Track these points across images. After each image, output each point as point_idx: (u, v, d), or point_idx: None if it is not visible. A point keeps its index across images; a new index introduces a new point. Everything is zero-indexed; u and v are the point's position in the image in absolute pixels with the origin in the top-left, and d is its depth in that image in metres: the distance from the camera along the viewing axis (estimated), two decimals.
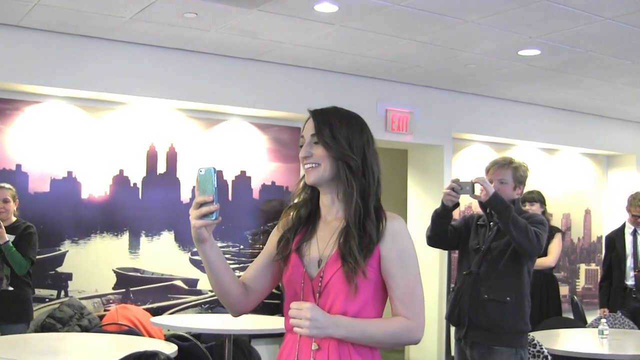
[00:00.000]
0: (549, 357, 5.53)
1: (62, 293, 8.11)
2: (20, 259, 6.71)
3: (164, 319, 7.52)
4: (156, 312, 8.49)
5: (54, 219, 8.05)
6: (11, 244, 6.70)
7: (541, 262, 7.73)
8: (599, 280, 9.44)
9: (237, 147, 9.27)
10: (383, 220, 2.84)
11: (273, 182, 9.45)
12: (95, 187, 8.36)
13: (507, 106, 11.35)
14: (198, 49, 8.56)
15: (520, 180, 5.58)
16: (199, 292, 8.85)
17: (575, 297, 10.51)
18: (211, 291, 2.57)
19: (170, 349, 5.44)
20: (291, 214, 3.05)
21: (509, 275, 5.34)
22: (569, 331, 7.12)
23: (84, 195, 8.30)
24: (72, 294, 8.14)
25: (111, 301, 8.37)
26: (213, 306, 8.82)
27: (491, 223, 5.49)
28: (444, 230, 5.55)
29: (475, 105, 11.03)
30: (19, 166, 7.92)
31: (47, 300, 7.95)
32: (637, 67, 9.09)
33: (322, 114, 2.93)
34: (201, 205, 2.66)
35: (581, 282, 12.71)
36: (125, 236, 8.53)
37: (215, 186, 2.66)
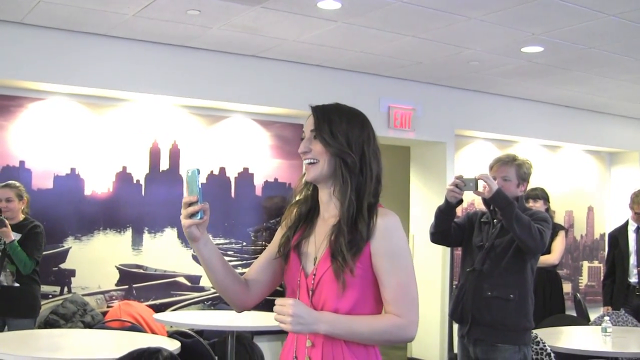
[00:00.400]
0: (552, 355, 5.53)
1: (65, 289, 8.12)
2: (25, 258, 6.71)
3: (167, 316, 7.54)
4: (159, 308, 8.50)
5: (57, 216, 8.06)
6: (17, 243, 6.71)
7: (544, 260, 7.72)
8: (602, 277, 9.43)
9: (239, 144, 9.27)
10: (374, 217, 2.82)
11: (276, 179, 9.45)
12: (98, 184, 8.37)
13: (510, 103, 11.35)
14: (201, 45, 8.56)
15: (523, 177, 5.57)
16: (202, 289, 8.85)
17: (578, 295, 10.52)
18: (214, 288, 2.59)
19: (173, 345, 5.44)
20: (294, 211, 3.06)
21: (513, 273, 5.33)
22: (572, 329, 7.11)
23: (87, 191, 8.31)
24: (75, 290, 8.16)
25: (114, 297, 8.38)
26: (216, 303, 8.83)
27: (495, 220, 5.48)
28: (447, 227, 5.54)
29: (478, 102, 11.02)
30: (22, 163, 7.93)
31: (50, 296, 7.96)
32: None
33: (322, 110, 2.94)
34: (189, 205, 2.75)
35: (584, 280, 12.70)
36: (128, 233, 8.54)
37: (200, 187, 2.76)
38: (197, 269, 8.76)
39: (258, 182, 9.38)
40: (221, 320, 6.97)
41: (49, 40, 7.85)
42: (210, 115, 9.10)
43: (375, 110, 9.89)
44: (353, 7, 7.13)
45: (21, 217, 7.03)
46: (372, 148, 2.91)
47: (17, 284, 6.82)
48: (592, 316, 8.71)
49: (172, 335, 6.47)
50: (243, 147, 9.30)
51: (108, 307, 8.28)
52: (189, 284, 8.79)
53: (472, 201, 10.59)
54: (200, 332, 7.45)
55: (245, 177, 9.30)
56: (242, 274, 3.03)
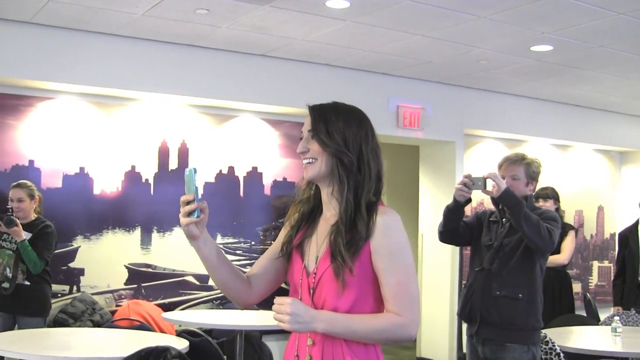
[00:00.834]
0: (562, 355, 5.51)
1: (74, 288, 8.14)
2: (35, 258, 6.72)
3: (176, 315, 7.54)
4: (168, 307, 8.50)
5: (66, 215, 8.07)
6: (27, 243, 6.72)
7: (554, 260, 7.70)
8: (612, 277, 9.40)
9: (248, 143, 9.27)
10: (374, 215, 2.81)
11: (284, 178, 9.45)
12: (107, 183, 8.38)
13: (519, 102, 11.32)
14: (210, 45, 8.57)
15: (532, 176, 5.56)
16: (211, 288, 8.85)
17: (588, 295, 10.49)
18: (215, 285, 2.61)
19: (182, 344, 5.44)
20: (297, 210, 3.07)
21: (521, 272, 5.32)
22: (581, 329, 7.08)
23: (96, 191, 8.32)
24: (84, 289, 8.17)
25: (123, 296, 8.39)
26: (224, 302, 8.83)
27: (503, 219, 5.46)
28: (456, 226, 5.53)
29: (487, 101, 11.00)
30: (31, 162, 7.95)
31: (59, 295, 7.97)
32: None
33: (319, 109, 2.94)
34: (186, 204, 2.77)
35: (594, 280, 12.66)
36: (137, 232, 8.55)
37: (196, 185, 2.77)
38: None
39: (267, 181, 9.38)
40: (230, 320, 6.96)
41: (58, 39, 7.87)
42: (219, 114, 9.10)
43: (384, 109, 9.89)
44: (362, 6, 7.12)
45: (33, 216, 7.05)
46: (370, 146, 2.90)
47: (27, 283, 6.84)
48: (602, 316, 8.67)
49: (180, 334, 6.47)
50: (252, 146, 9.30)
51: (117, 306, 8.29)
52: (197, 283, 8.79)
53: (481, 200, 10.57)
54: (209, 331, 7.45)
55: (254, 176, 9.30)
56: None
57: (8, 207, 6.82)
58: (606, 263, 12.82)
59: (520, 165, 5.55)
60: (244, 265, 8.82)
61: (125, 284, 8.45)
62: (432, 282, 10.81)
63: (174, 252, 8.63)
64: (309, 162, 2.90)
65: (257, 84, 9.04)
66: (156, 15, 7.46)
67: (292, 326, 2.72)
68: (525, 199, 5.41)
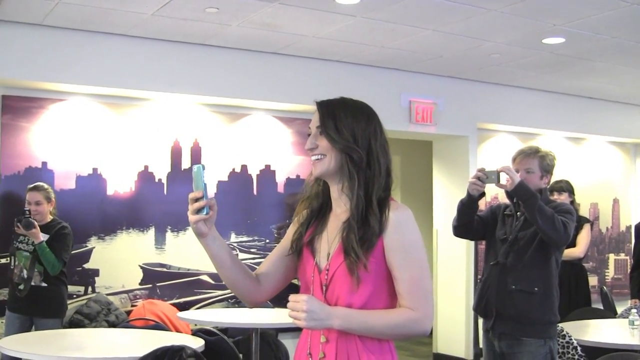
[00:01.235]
0: (579, 348, 5.49)
1: (89, 289, 8.15)
2: (53, 259, 6.75)
3: (191, 314, 7.54)
4: (183, 307, 8.50)
5: (80, 216, 8.08)
6: (45, 244, 6.75)
7: (569, 253, 7.66)
8: (628, 270, 9.35)
9: (261, 141, 9.27)
10: (386, 211, 2.80)
11: (298, 176, 9.44)
12: (120, 184, 8.38)
13: (532, 95, 11.29)
14: (220, 43, 8.56)
15: (547, 169, 5.52)
16: (225, 287, 8.83)
17: (605, 288, 10.43)
18: (224, 283, 2.61)
19: (197, 343, 5.45)
20: (305, 207, 3.06)
21: (537, 266, 5.29)
22: (598, 322, 7.05)
23: (110, 191, 8.33)
24: (99, 290, 8.18)
25: (138, 296, 8.39)
26: (239, 300, 8.80)
27: (518, 213, 5.44)
28: (470, 220, 5.50)
29: (499, 95, 10.97)
30: (44, 164, 7.96)
31: (74, 296, 7.99)
32: None
33: (327, 105, 2.92)
34: (195, 201, 2.73)
35: (610, 273, 12.62)
36: (151, 232, 8.55)
37: (205, 182, 2.74)
38: None
39: (280, 179, 9.37)
40: (245, 318, 6.95)
41: (68, 41, 7.88)
42: (230, 112, 9.09)
43: (396, 105, 9.87)
44: (371, 1, 7.10)
45: (49, 218, 7.09)
46: (379, 141, 2.88)
47: (44, 284, 6.86)
48: (619, 309, 8.63)
49: (196, 333, 6.47)
50: (264, 144, 9.29)
51: (132, 306, 8.30)
52: (212, 281, 8.79)
53: (495, 194, 10.54)
54: (225, 330, 7.46)
55: (267, 174, 9.30)
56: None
57: (25, 209, 6.85)
58: (622, 255, 12.78)
59: (534, 158, 5.51)
60: (259, 264, 8.81)
61: (140, 284, 8.46)
62: (447, 278, 10.79)
63: (189, 251, 8.62)
64: (318, 159, 2.88)
65: (268, 81, 9.04)
66: (166, 15, 7.46)
67: (308, 323, 2.71)
68: (539, 192, 5.37)
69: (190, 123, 8.84)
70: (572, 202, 8.06)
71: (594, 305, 8.65)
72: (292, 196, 9.36)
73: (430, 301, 2.79)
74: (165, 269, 8.60)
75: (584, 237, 8.09)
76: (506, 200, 5.65)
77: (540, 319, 5.23)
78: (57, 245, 6.87)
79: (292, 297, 2.74)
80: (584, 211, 11.44)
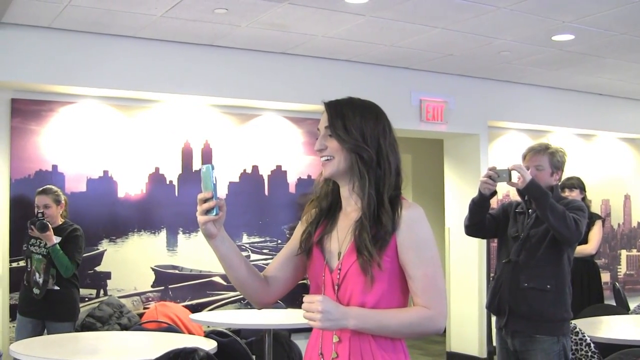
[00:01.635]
0: (592, 345, 5.47)
1: (102, 292, 8.16)
2: (66, 262, 6.76)
3: (203, 316, 7.54)
4: (195, 308, 8.50)
5: (91, 219, 8.08)
6: (58, 247, 6.75)
7: (582, 250, 7.64)
8: None
9: (272, 142, 9.27)
10: (398, 209, 2.80)
11: (309, 176, 9.43)
12: (131, 186, 8.39)
13: (542, 93, 11.27)
14: (229, 44, 8.56)
15: (557, 165, 5.51)
16: None
17: (617, 284, 10.41)
18: (232, 284, 2.61)
19: (210, 345, 5.45)
20: (314, 207, 3.05)
21: (549, 263, 5.28)
22: (611, 318, 7.03)
23: (121, 194, 8.33)
24: (111, 292, 8.19)
25: (150, 299, 8.40)
26: None
27: (530, 210, 5.43)
28: (481, 219, 5.50)
29: (510, 93, 10.96)
30: (55, 167, 7.96)
31: (86, 299, 7.99)
32: None
33: (335, 105, 2.92)
34: (204, 201, 2.71)
35: (622, 269, 12.59)
36: (163, 234, 8.55)
37: (214, 182, 2.71)
38: None
39: (291, 179, 9.37)
40: (258, 319, 6.95)
41: (77, 43, 7.89)
42: (241, 113, 9.09)
43: (407, 103, 9.86)
44: (381, 0, 7.09)
45: (60, 220, 7.08)
46: (388, 140, 2.88)
47: (57, 287, 6.86)
48: (632, 305, 8.62)
49: (208, 335, 6.47)
50: (275, 144, 9.29)
51: (144, 308, 8.30)
52: (224, 283, 8.78)
53: (507, 192, 10.53)
54: (238, 332, 7.46)
55: (279, 174, 9.30)
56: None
57: (39, 211, 6.85)
58: (634, 252, 12.75)
59: (544, 155, 5.50)
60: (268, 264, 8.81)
61: (152, 286, 8.46)
62: (460, 276, 10.77)
63: (200, 253, 8.61)
64: (327, 160, 2.88)
65: (278, 82, 9.04)
66: (175, 16, 7.46)
67: (324, 324, 2.69)
68: (550, 189, 5.37)
69: (200, 124, 8.84)
70: (584, 198, 8.04)
71: (606, 302, 8.62)
72: (304, 196, 9.34)
73: (444, 299, 2.80)
74: (177, 271, 8.60)
75: (595, 234, 8.07)
76: (518, 198, 5.64)
77: (553, 316, 5.22)
78: (70, 247, 6.87)
79: (306, 298, 2.72)
80: (596, 208, 11.43)
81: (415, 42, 8.58)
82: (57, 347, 5.55)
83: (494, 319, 5.73)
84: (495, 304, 5.47)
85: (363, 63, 9.55)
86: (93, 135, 8.21)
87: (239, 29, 7.94)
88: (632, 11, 7.42)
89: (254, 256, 8.97)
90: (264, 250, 9.09)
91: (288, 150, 9.37)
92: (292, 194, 9.35)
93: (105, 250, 8.22)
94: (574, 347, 5.45)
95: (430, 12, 7.45)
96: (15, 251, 7.51)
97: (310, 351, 2.96)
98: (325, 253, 2.92)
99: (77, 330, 7.27)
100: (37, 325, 6.93)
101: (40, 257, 6.85)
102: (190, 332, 7.71)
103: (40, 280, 6.82)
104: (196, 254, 8.63)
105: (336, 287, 2.83)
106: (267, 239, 9.16)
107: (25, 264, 7.07)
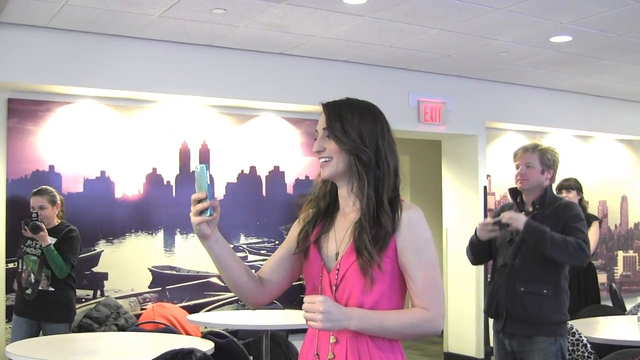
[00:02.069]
0: (589, 346, 5.47)
1: (98, 293, 8.15)
2: (61, 262, 6.74)
3: (201, 317, 7.53)
4: (193, 309, 8.50)
5: (88, 219, 8.07)
6: (52, 247, 6.74)
7: None
8: (637, 267, 9.32)
9: (269, 143, 9.26)
10: (398, 210, 2.80)
11: (307, 177, 9.42)
12: (128, 186, 8.38)
13: (540, 94, 11.27)
14: (228, 44, 8.56)
15: (548, 164, 5.49)
16: None
17: (614, 285, 10.42)
18: (226, 285, 2.62)
19: (207, 346, 5.44)
20: (311, 207, 3.04)
21: (545, 267, 5.27)
22: (608, 319, 7.04)
23: (118, 194, 8.32)
24: (108, 293, 8.18)
25: (147, 300, 8.39)
26: None
27: (523, 212, 5.43)
28: (485, 253, 5.57)
29: (508, 94, 10.96)
30: (52, 167, 7.96)
31: (83, 300, 7.98)
32: None
33: (333, 106, 2.91)
34: (198, 202, 2.69)
35: (619, 270, 12.59)
36: (160, 234, 8.54)
37: (209, 183, 2.69)
38: None
39: (289, 180, 9.36)
40: (256, 320, 6.95)
41: (75, 43, 7.87)
42: (239, 114, 9.09)
43: (404, 104, 9.86)
44: (379, 1, 7.09)
45: (56, 221, 7.06)
46: (386, 141, 2.87)
47: (52, 289, 6.84)
48: (628, 306, 8.62)
49: (206, 336, 6.47)
50: (273, 145, 9.29)
51: (141, 309, 8.29)
52: (222, 284, 8.77)
53: (505, 194, 10.52)
54: (235, 332, 7.45)
55: (276, 175, 9.29)
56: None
57: (34, 212, 6.83)
58: (631, 253, 12.76)
59: (534, 153, 5.49)
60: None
61: (150, 287, 8.45)
62: (457, 277, 10.77)
63: (198, 253, 8.56)
64: (326, 161, 2.88)
65: (276, 82, 9.03)
66: (173, 16, 7.45)
67: (325, 325, 2.67)
68: (545, 190, 5.38)
69: (198, 125, 8.83)
70: (581, 199, 8.06)
71: (603, 303, 8.64)
72: (302, 197, 9.32)
73: (442, 300, 2.81)
74: (174, 272, 8.59)
75: (592, 235, 8.06)
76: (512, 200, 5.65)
77: (550, 320, 5.22)
78: (65, 248, 6.85)
79: (307, 298, 2.71)
80: (593, 209, 11.43)
81: (413, 43, 8.58)
82: (54, 348, 5.55)
83: (491, 320, 5.72)
84: (493, 308, 5.46)
85: (361, 64, 9.55)
86: (90, 135, 8.20)
87: (237, 29, 7.93)
88: (630, 13, 7.42)
89: (251, 257, 8.97)
90: (262, 251, 9.09)
91: (286, 151, 9.37)
92: (290, 195, 9.35)
93: (103, 251, 8.21)
94: (570, 348, 5.45)
95: (428, 13, 7.45)
96: (12, 252, 7.49)
97: (305, 351, 2.95)
98: (323, 253, 2.91)
99: (73, 331, 7.26)
100: (33, 325, 6.90)
101: (35, 258, 6.83)
102: (187, 333, 7.70)
103: (33, 281, 6.80)
104: (193, 254, 8.62)
105: (334, 288, 2.82)
106: (265, 239, 9.16)
107: (16, 265, 7.06)
